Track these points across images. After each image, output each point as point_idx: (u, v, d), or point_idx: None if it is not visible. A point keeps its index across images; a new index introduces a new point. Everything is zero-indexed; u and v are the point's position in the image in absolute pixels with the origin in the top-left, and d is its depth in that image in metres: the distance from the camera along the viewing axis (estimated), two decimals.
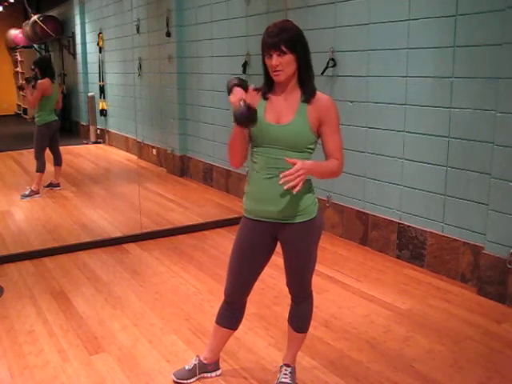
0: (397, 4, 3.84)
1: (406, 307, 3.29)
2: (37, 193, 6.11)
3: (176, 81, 6.90)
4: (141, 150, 8.20)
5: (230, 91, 2.10)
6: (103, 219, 5.27)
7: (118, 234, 4.77)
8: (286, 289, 3.55)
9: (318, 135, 2.21)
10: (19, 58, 16.08)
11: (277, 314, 3.20)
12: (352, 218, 4.48)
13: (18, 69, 16.46)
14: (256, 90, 2.23)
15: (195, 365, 2.55)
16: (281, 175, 1.98)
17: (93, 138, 10.67)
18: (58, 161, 6.35)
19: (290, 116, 2.16)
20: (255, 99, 2.19)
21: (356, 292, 3.51)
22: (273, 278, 3.75)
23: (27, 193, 6.07)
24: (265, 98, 2.21)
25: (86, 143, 10.62)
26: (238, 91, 2.07)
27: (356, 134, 4.34)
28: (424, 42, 3.69)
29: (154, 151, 7.90)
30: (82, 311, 3.28)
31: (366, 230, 4.35)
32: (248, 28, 5.54)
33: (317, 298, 3.42)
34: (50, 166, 6.31)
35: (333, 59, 4.43)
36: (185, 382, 2.52)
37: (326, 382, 2.52)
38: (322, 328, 3.03)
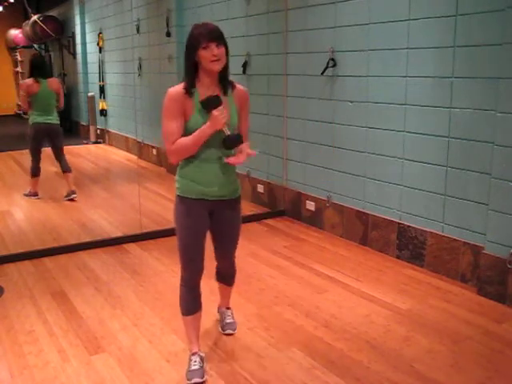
0: (397, 4, 3.84)
1: (406, 307, 3.29)
2: (34, 194, 6.03)
3: (176, 81, 6.88)
4: (141, 150, 8.20)
5: (208, 109, 2.30)
6: (103, 219, 5.27)
7: (118, 233, 4.77)
8: (286, 289, 3.57)
9: None
10: (19, 58, 16.07)
11: (277, 314, 3.20)
12: (352, 218, 4.48)
13: (18, 69, 16.44)
14: (185, 90, 2.37)
15: (201, 357, 2.59)
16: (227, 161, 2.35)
17: (93, 138, 10.68)
18: (63, 167, 6.05)
19: (227, 108, 2.37)
20: (187, 103, 2.36)
21: (356, 292, 3.51)
22: (273, 277, 3.76)
23: (27, 192, 6.06)
24: (191, 94, 2.36)
25: (86, 143, 10.62)
26: (221, 117, 2.29)
27: (356, 134, 4.34)
28: (424, 41, 3.68)
29: (154, 151, 7.90)
30: (82, 311, 3.28)
31: (365, 230, 4.35)
32: (248, 28, 5.54)
33: (317, 298, 3.43)
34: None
35: (333, 59, 4.43)
36: (204, 379, 2.52)
37: (326, 382, 2.52)
38: (322, 328, 3.03)
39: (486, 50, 3.31)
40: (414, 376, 2.56)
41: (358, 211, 4.41)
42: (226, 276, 2.84)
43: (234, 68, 5.42)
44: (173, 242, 4.52)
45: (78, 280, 3.77)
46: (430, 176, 3.77)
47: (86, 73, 11.24)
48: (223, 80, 2.42)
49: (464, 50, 3.44)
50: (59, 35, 12.28)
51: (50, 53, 14.27)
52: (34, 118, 5.77)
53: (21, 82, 5.92)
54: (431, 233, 3.80)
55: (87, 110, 10.76)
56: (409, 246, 3.98)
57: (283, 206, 5.28)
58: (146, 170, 7.61)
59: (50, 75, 5.92)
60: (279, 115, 5.16)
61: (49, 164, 8.34)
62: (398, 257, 4.07)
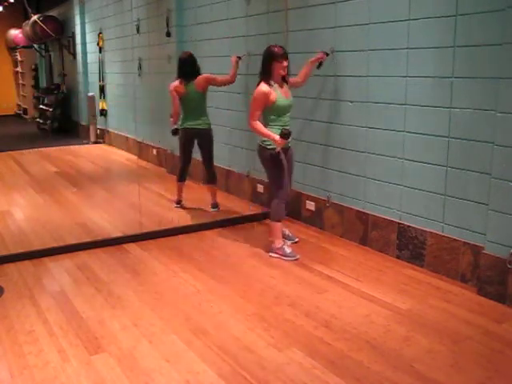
0: (397, 4, 3.84)
1: (406, 307, 3.29)
2: (177, 202, 5.59)
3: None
4: (141, 150, 8.20)
5: (282, 136, 3.96)
6: (103, 219, 5.28)
7: (118, 233, 4.76)
8: (286, 289, 3.58)
9: None
10: (19, 58, 16.05)
11: (277, 314, 3.20)
12: (352, 217, 4.47)
13: (18, 69, 16.42)
14: (269, 86, 4.08)
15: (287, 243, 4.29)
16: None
17: (93, 138, 10.69)
18: (208, 178, 5.46)
19: (289, 93, 4.20)
20: (272, 92, 4.05)
21: (356, 292, 3.51)
22: (273, 278, 3.76)
23: (175, 199, 5.60)
24: (271, 87, 4.07)
25: (86, 143, 10.63)
26: (281, 144, 4.00)
27: (356, 134, 4.34)
28: (424, 41, 3.68)
29: (154, 151, 7.90)
30: (82, 311, 3.28)
31: (366, 230, 4.35)
32: (248, 28, 5.54)
33: (317, 298, 3.43)
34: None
35: (333, 59, 4.43)
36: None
37: (326, 382, 2.52)
38: (322, 328, 3.03)
39: (486, 50, 3.31)
40: (414, 376, 2.56)
41: (358, 211, 4.41)
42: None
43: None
44: (173, 241, 4.56)
45: (78, 280, 3.77)
46: (430, 176, 3.77)
47: (85, 73, 11.25)
48: (284, 79, 4.16)
49: (464, 50, 3.44)
50: (59, 35, 12.29)
51: (50, 53, 14.29)
52: (182, 122, 5.28)
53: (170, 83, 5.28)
54: (431, 233, 3.80)
55: (87, 110, 10.76)
56: (409, 246, 3.98)
57: None
58: (146, 169, 7.61)
59: (197, 74, 5.19)
60: None
61: (49, 164, 8.37)
62: (397, 257, 4.07)
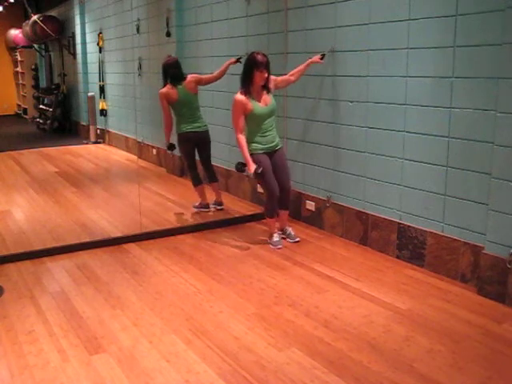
0: (397, 4, 3.84)
1: (406, 307, 3.29)
2: (204, 206, 5.42)
3: None
4: (141, 150, 8.20)
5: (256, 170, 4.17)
6: (103, 219, 5.28)
7: (118, 234, 4.77)
8: (286, 289, 3.58)
9: None
10: (19, 58, 16.04)
11: (277, 314, 3.20)
12: (352, 217, 4.48)
13: (18, 69, 16.42)
14: (245, 96, 4.20)
15: (279, 234, 4.46)
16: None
17: (93, 138, 10.69)
18: (209, 177, 5.46)
19: (269, 100, 4.30)
20: (248, 102, 4.19)
21: (356, 292, 3.51)
22: (273, 277, 3.76)
23: (196, 204, 5.46)
24: (248, 96, 4.19)
25: (86, 143, 10.63)
26: (251, 168, 4.17)
27: (356, 134, 4.34)
28: (424, 41, 3.68)
29: (154, 151, 7.90)
30: (82, 311, 3.28)
31: (366, 230, 4.35)
32: (248, 28, 5.54)
33: (317, 298, 3.43)
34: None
35: (333, 59, 4.43)
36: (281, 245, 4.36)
37: (326, 382, 2.52)
38: (322, 328, 3.03)
39: (486, 50, 3.31)
40: (414, 376, 2.56)
41: (358, 211, 4.41)
42: (282, 201, 4.40)
43: (235, 68, 5.42)
44: (173, 241, 4.56)
45: (78, 280, 3.77)
46: (429, 176, 3.77)
47: (86, 73, 11.26)
48: (265, 86, 4.25)
49: (464, 49, 3.44)
50: (59, 35, 12.30)
51: (50, 53, 14.30)
52: (178, 127, 5.18)
53: (160, 90, 5.12)
54: (431, 233, 3.80)
55: (87, 110, 10.76)
56: (409, 246, 3.98)
57: None
58: (146, 169, 7.60)
59: (184, 77, 5.15)
60: (279, 115, 5.15)
61: (49, 164, 8.37)
62: (397, 257, 4.07)
